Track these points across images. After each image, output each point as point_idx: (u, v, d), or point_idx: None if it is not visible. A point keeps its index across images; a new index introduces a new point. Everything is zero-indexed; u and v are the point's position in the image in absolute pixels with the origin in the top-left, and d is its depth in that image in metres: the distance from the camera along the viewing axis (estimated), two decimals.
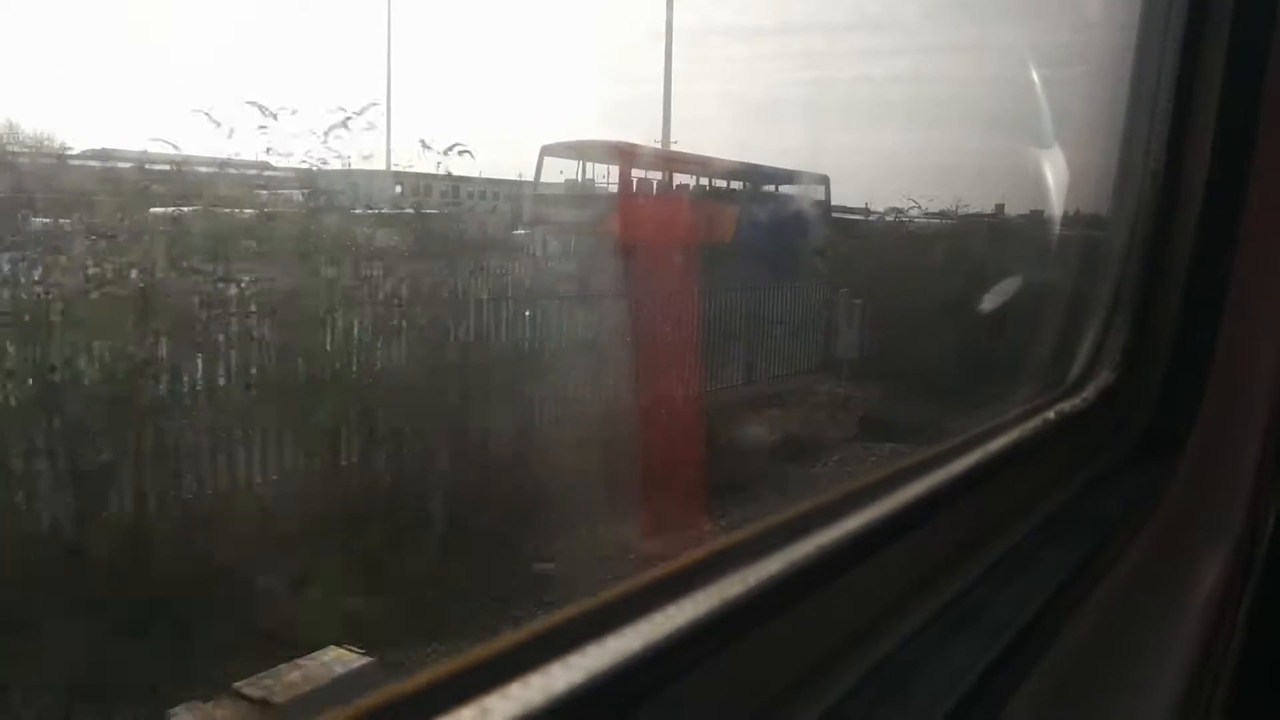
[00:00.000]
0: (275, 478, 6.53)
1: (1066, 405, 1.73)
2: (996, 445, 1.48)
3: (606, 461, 6.80)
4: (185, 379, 6.30)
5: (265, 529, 6.03)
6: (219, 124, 6.72)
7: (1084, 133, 2.51)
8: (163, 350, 6.12)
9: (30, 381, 5.62)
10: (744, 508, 7.06)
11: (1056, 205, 2.94)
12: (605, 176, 15.14)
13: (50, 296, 5.82)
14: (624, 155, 13.86)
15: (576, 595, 1.18)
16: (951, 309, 9.26)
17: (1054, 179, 2.87)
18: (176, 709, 4.34)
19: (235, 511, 6.16)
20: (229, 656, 4.72)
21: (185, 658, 4.74)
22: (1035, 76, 3.04)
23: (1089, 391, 1.78)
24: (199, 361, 6.40)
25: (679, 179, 15.69)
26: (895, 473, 1.30)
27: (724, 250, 13.58)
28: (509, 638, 0.77)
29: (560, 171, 14.83)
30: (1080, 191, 2.75)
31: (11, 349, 5.65)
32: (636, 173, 14.45)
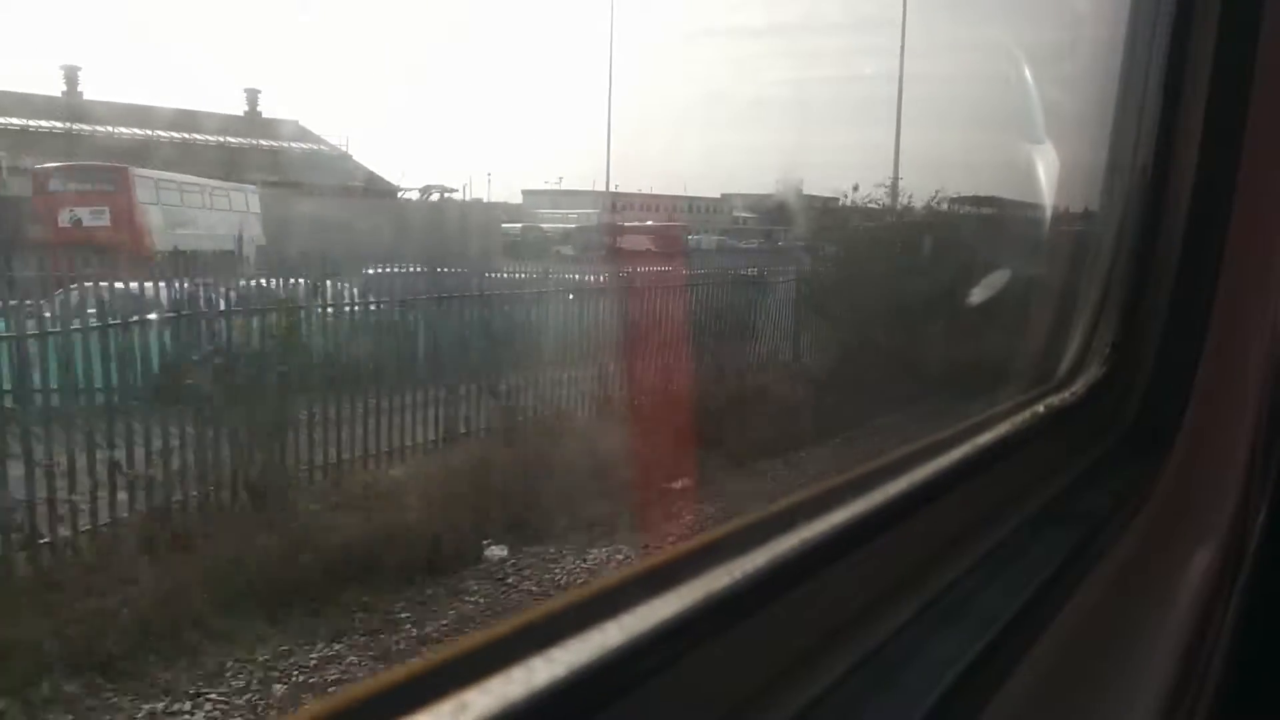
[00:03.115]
0: None
1: (1055, 399, 1.72)
2: (985, 439, 1.48)
3: None
4: None
5: None
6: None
7: (1074, 129, 2.51)
8: None
9: None
10: None
11: (1048, 201, 2.94)
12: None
13: None
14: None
15: None
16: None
17: (1045, 175, 2.87)
18: None
19: None
20: None
21: None
22: (1025, 73, 3.04)
23: (1078, 386, 1.78)
24: None
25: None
26: (883, 466, 1.29)
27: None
28: (489, 631, 0.76)
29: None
30: (1071, 187, 2.75)
31: None
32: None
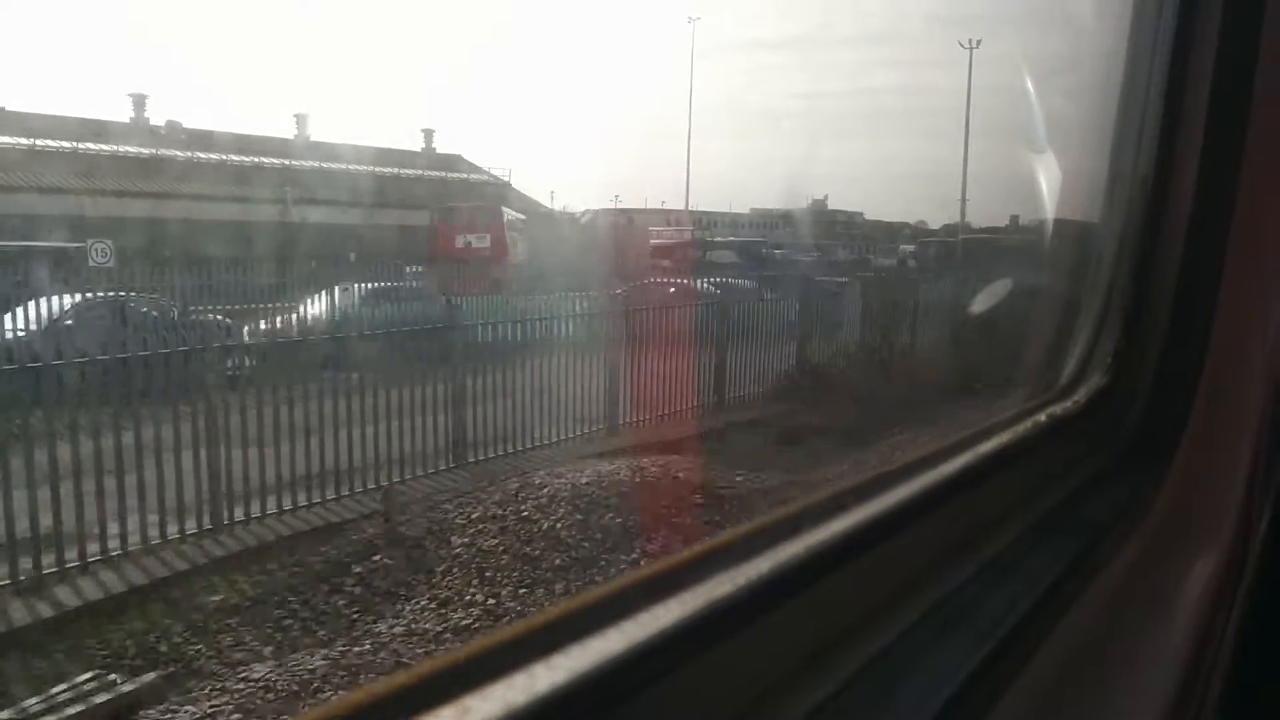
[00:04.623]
0: None
1: (1057, 409, 1.72)
2: (987, 448, 1.48)
3: None
4: None
5: None
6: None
7: (1074, 139, 2.52)
8: None
9: None
10: None
11: (1050, 211, 2.94)
12: None
13: None
14: None
15: None
16: None
17: (1047, 185, 2.87)
18: None
19: None
20: None
21: None
22: (1027, 84, 3.04)
23: (1079, 395, 1.78)
24: None
25: None
26: (885, 474, 1.29)
27: None
28: (492, 637, 0.76)
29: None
30: (1072, 197, 2.75)
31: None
32: None
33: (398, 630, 6.85)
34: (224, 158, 26.98)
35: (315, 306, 13.90)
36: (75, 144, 25.41)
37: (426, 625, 6.92)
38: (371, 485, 9.71)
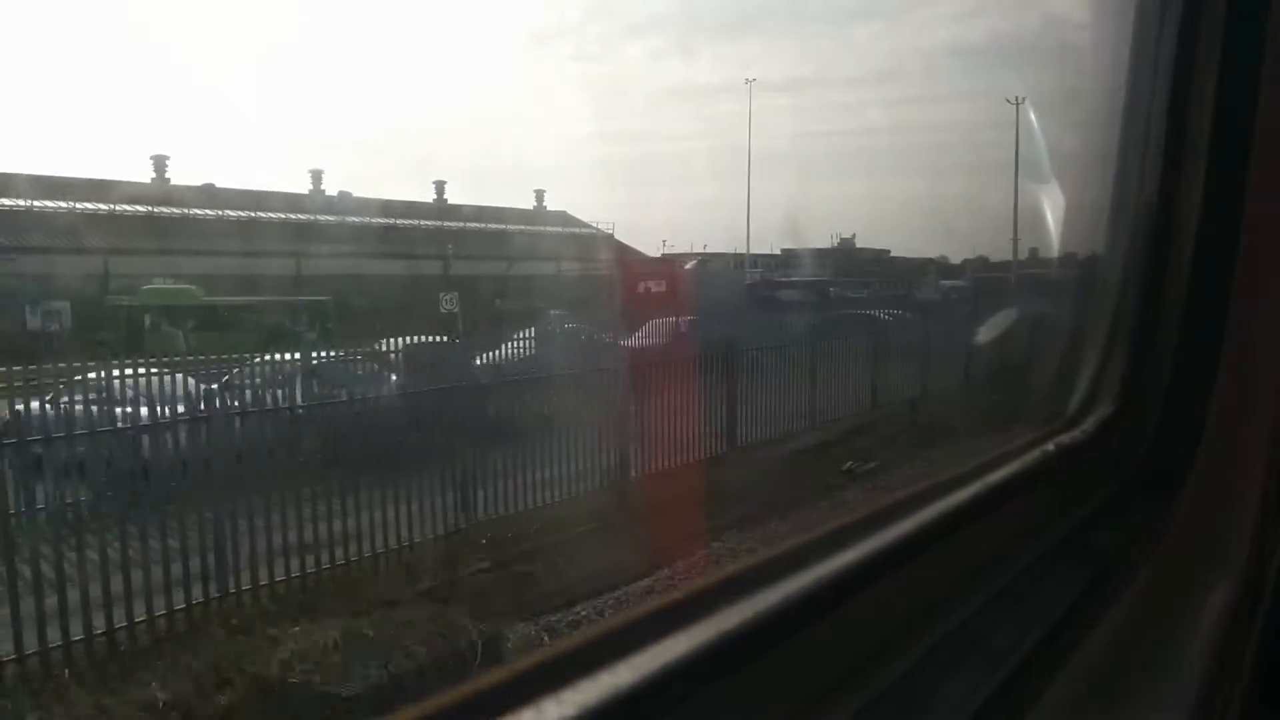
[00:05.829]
0: None
1: (1066, 438, 1.72)
2: (997, 477, 1.48)
3: None
4: None
5: None
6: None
7: (1078, 170, 2.53)
8: None
9: None
10: None
11: (1055, 242, 2.96)
12: None
13: None
14: None
15: None
16: None
17: (1053, 216, 2.88)
18: None
19: None
20: None
21: None
22: (1031, 118, 3.07)
23: (1088, 424, 1.78)
24: None
25: None
26: (897, 504, 1.29)
27: None
28: (500, 673, 0.77)
29: None
30: (1078, 228, 2.76)
31: None
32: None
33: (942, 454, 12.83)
34: (394, 221, 32.21)
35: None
36: (284, 215, 31.00)
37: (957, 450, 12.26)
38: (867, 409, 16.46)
